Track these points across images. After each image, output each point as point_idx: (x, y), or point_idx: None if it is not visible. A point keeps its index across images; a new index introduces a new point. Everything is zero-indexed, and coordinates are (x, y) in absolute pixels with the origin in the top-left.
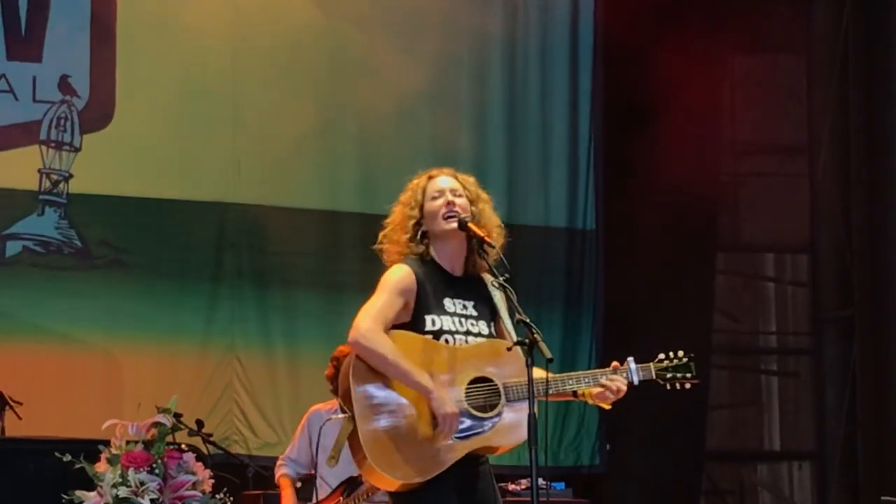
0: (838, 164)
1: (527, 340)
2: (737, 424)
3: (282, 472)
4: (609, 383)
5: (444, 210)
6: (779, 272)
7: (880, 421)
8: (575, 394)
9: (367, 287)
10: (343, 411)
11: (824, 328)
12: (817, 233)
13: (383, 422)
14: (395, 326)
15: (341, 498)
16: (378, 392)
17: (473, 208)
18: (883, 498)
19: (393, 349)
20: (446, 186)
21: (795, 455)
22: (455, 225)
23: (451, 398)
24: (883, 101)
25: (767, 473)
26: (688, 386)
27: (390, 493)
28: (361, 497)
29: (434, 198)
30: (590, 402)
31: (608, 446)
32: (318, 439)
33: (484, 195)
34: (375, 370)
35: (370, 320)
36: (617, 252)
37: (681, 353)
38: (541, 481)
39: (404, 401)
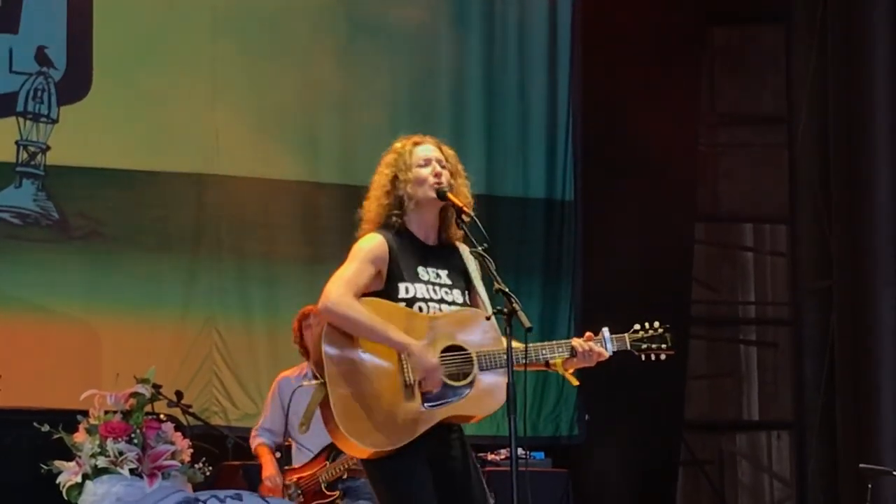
0: (817, 134)
1: (506, 310)
2: (715, 394)
3: (258, 441)
4: (583, 344)
5: (432, 179)
6: (757, 242)
7: (858, 391)
8: (547, 363)
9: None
10: (315, 378)
11: (803, 298)
12: (796, 203)
13: (355, 389)
14: (369, 295)
15: (326, 463)
16: (350, 359)
17: (452, 181)
18: (861, 466)
19: (365, 312)
20: (433, 156)
21: (774, 425)
22: (434, 194)
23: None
24: (862, 71)
25: (746, 443)
26: (663, 357)
27: (362, 461)
28: (349, 461)
29: (420, 165)
30: (560, 371)
31: (587, 417)
32: (289, 406)
33: (462, 170)
34: (348, 337)
35: (342, 286)
36: (595, 223)
37: (657, 324)
38: (520, 451)
39: (377, 368)
